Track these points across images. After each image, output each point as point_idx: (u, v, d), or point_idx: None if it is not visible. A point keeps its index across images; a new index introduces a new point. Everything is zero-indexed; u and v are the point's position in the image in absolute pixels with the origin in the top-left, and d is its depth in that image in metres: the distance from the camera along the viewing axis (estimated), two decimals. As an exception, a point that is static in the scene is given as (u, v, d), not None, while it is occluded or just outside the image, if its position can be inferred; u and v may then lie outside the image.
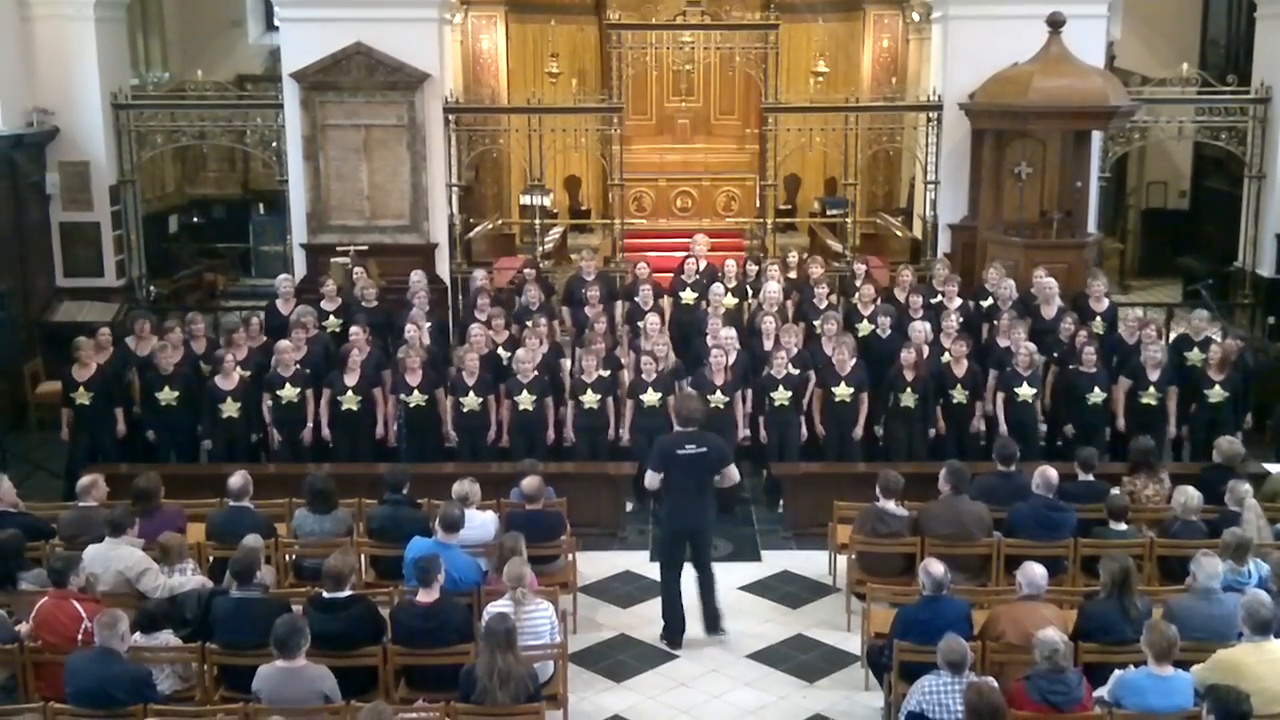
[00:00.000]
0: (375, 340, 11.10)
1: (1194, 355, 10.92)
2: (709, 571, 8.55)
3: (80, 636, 6.69)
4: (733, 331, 10.83)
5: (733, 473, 8.60)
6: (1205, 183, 18.14)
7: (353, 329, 10.82)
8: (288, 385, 10.39)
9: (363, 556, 8.27)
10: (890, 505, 8.42)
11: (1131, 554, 7.55)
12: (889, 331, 11.17)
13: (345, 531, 8.28)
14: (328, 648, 6.61)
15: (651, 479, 8.46)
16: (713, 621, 8.59)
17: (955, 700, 5.98)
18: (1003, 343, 10.85)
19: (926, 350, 10.65)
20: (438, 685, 6.68)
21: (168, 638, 6.93)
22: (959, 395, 10.51)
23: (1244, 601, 6.37)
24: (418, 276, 12.08)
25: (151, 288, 14.81)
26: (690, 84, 17.77)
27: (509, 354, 10.84)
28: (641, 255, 13.39)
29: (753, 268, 12.83)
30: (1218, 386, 10.42)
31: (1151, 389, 10.39)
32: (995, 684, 5.98)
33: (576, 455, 10.50)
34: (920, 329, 10.83)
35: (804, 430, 10.59)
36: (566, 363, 11.26)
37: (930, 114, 13.95)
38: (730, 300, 11.91)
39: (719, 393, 10.19)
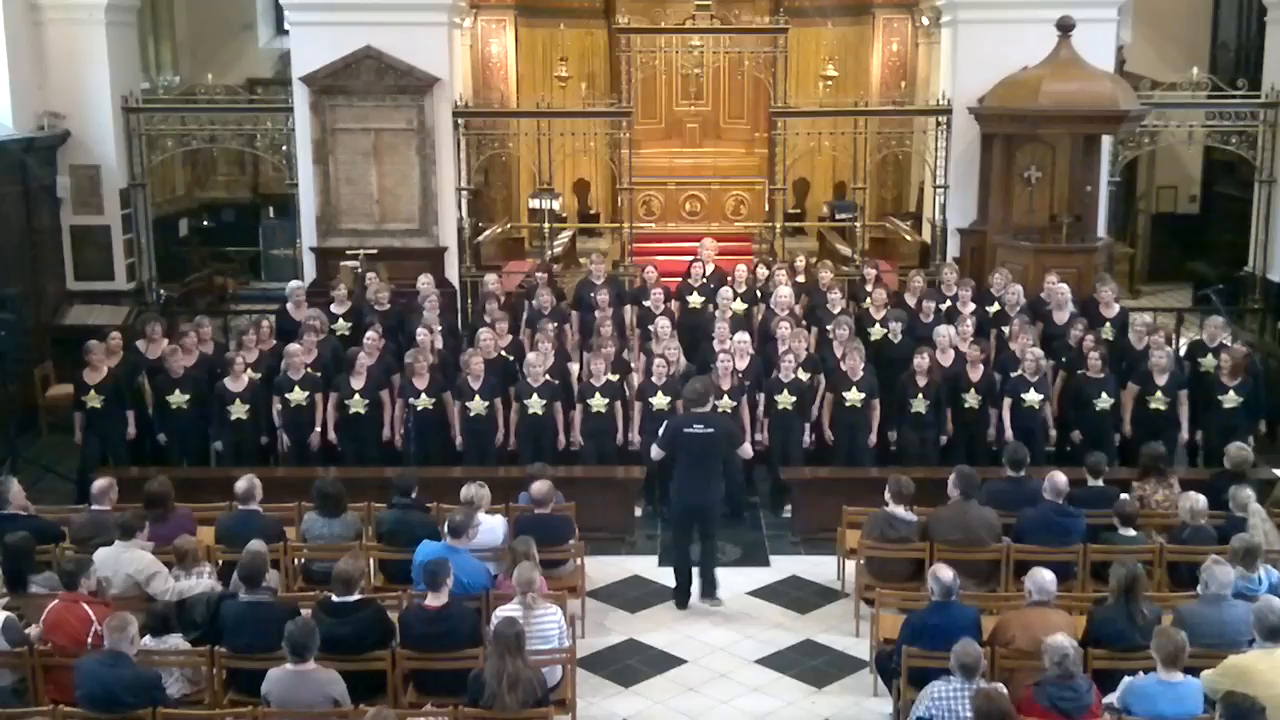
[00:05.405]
0: (387, 343, 11.11)
1: (1207, 361, 10.87)
2: (713, 541, 9.14)
3: (90, 639, 6.69)
4: (747, 336, 10.81)
5: (745, 450, 9.61)
6: (1215, 187, 18.13)
7: (368, 333, 10.84)
8: (297, 388, 10.40)
9: (372, 560, 8.28)
10: (899, 510, 8.40)
11: (1140, 559, 7.53)
12: (900, 336, 11.16)
13: (354, 535, 8.29)
14: (337, 652, 6.61)
15: (655, 452, 9.24)
16: (709, 587, 9.07)
17: (964, 706, 5.97)
18: (1013, 347, 10.82)
19: (952, 355, 10.59)
20: (446, 689, 6.69)
21: (177, 641, 6.96)
22: (971, 400, 10.48)
23: (1255, 608, 6.37)
24: (425, 280, 12.10)
25: (161, 291, 14.82)
26: (699, 88, 17.74)
27: (512, 358, 10.87)
28: (650, 259, 13.39)
29: (762, 272, 12.83)
30: (1232, 392, 10.37)
31: (1159, 394, 10.35)
32: (1004, 690, 5.97)
33: (585, 459, 10.49)
34: (944, 332, 10.78)
35: (808, 435, 10.57)
36: (575, 367, 11.25)
37: (939, 118, 13.93)
38: (740, 305, 11.89)
39: (726, 397, 10.17)
